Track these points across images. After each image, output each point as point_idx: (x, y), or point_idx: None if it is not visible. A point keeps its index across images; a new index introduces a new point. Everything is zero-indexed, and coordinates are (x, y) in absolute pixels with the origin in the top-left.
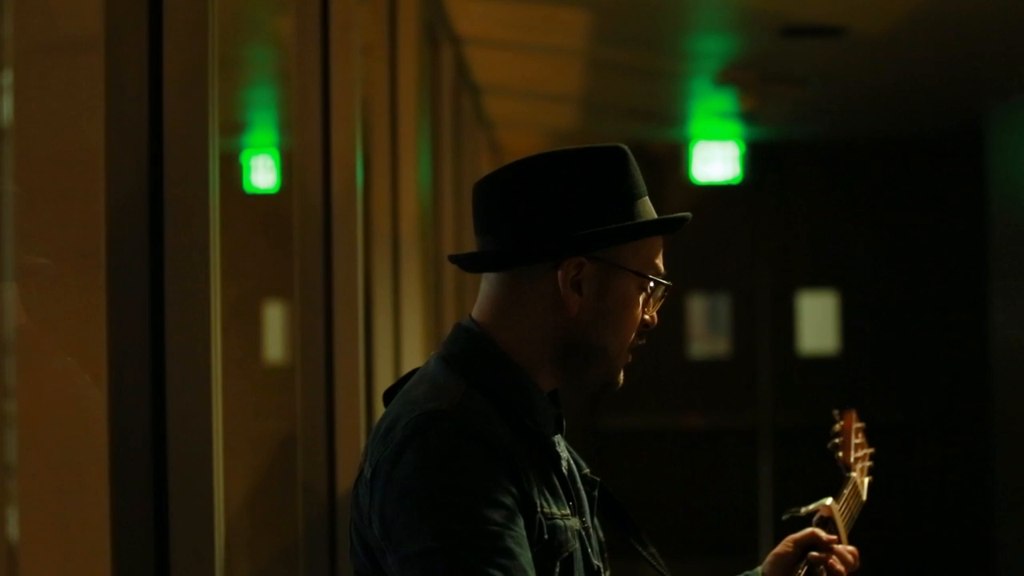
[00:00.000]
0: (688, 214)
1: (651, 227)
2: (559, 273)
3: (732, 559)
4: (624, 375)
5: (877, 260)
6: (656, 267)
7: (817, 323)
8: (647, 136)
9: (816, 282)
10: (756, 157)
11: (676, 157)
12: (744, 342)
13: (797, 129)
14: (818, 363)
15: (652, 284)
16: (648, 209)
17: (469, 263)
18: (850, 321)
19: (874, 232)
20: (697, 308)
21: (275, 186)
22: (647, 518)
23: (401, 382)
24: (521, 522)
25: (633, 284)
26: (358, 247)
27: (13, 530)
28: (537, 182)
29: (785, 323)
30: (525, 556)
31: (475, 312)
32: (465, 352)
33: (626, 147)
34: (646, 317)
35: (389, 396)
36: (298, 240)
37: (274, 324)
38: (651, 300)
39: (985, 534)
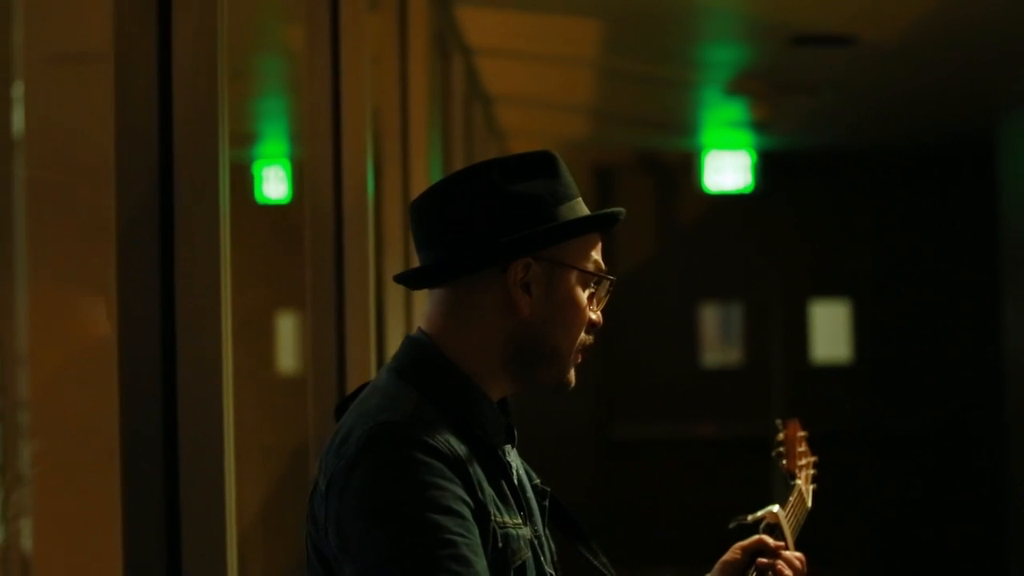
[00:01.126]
0: (621, 209)
1: (596, 222)
2: (507, 276)
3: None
4: (576, 375)
5: (889, 269)
6: (598, 264)
7: (829, 332)
8: (659, 146)
9: (828, 291)
10: (768, 166)
11: (688, 167)
12: (756, 351)
13: (808, 138)
14: (831, 372)
15: (596, 281)
16: (583, 208)
17: (415, 280)
18: (863, 330)
19: (886, 241)
20: (709, 317)
21: (287, 196)
22: (658, 527)
23: (352, 396)
24: (476, 531)
25: (579, 282)
26: (369, 257)
27: (27, 540)
28: (472, 191)
29: (797, 332)
30: (480, 564)
31: (423, 324)
32: (415, 364)
33: (555, 152)
34: (592, 316)
35: (341, 410)
36: (310, 250)
37: (286, 334)
38: (595, 298)
39: (998, 541)
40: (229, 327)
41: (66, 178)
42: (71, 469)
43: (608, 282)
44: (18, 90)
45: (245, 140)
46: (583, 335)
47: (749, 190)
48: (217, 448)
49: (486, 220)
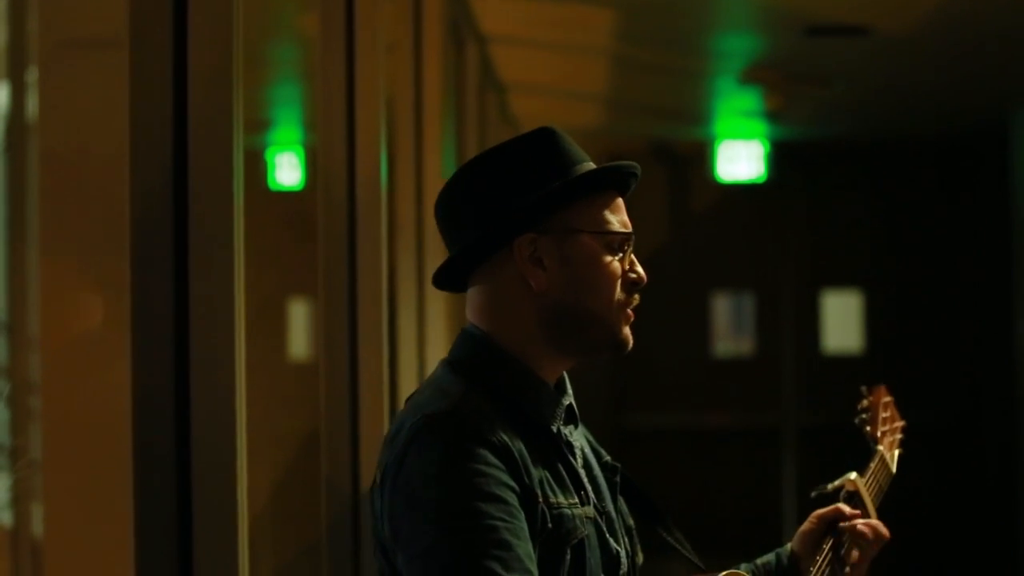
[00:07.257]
0: (628, 163)
1: (583, 180)
2: (515, 255)
3: (754, 558)
4: (632, 335)
5: (901, 259)
6: (613, 223)
7: (841, 322)
8: (672, 135)
9: (840, 281)
10: (781, 156)
11: (701, 156)
12: (768, 341)
13: (822, 128)
14: (842, 362)
15: (619, 240)
16: (589, 169)
17: (444, 282)
18: (874, 320)
19: (898, 231)
20: (721, 307)
21: (300, 183)
22: (669, 516)
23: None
24: (521, 515)
25: (595, 244)
26: (382, 244)
27: (37, 526)
28: (473, 182)
29: (809, 322)
30: (523, 547)
31: (471, 317)
32: (468, 355)
33: (554, 127)
34: (631, 275)
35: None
36: (323, 237)
37: (299, 321)
38: (625, 257)
39: (1011, 534)
40: (242, 314)
41: (79, 165)
42: (82, 454)
43: (626, 236)
44: (32, 76)
45: (259, 126)
46: (621, 294)
47: (762, 180)
48: (229, 434)
49: (487, 206)
